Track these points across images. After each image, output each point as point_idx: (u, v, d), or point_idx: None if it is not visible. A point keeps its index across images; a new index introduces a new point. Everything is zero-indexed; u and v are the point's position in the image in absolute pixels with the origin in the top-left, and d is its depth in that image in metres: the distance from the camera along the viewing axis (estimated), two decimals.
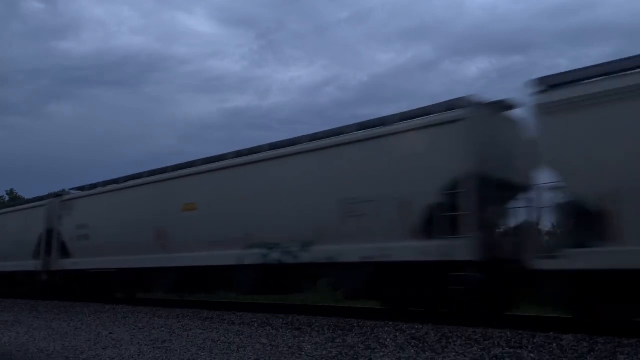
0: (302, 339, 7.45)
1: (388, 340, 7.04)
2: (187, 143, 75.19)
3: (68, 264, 16.76)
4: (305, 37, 76.52)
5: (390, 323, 8.26)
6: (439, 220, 8.47)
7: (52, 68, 75.76)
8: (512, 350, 6.09)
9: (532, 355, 5.84)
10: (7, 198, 40.78)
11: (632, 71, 7.22)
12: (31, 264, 17.96)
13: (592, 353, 5.76)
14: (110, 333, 8.92)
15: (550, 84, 7.86)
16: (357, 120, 10.39)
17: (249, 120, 75.95)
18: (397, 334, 7.37)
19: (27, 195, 37.27)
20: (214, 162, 12.91)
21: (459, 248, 8.17)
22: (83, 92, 78.56)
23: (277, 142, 11.77)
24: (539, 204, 7.88)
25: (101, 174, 58.85)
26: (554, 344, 6.19)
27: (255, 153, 12.02)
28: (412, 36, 71.37)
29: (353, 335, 7.55)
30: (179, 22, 78.38)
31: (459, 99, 8.86)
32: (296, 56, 78.64)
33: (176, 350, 7.03)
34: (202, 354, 6.73)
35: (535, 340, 6.43)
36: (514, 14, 66.35)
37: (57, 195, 18.34)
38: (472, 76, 67.17)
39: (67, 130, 78.22)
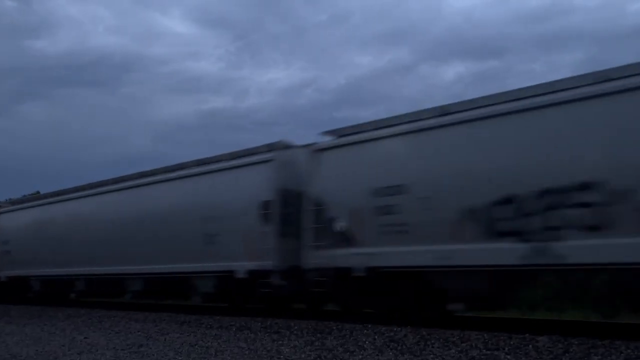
0: (280, 342, 7.43)
1: (367, 343, 7.06)
2: (163, 144, 74.51)
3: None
4: (283, 39, 76.51)
5: (369, 326, 8.29)
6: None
7: (25, 67, 74.39)
8: (489, 352, 6.15)
9: (508, 356, 5.91)
10: None
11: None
12: None
13: (567, 354, 5.85)
14: (85, 337, 8.78)
15: (333, 132, 10.63)
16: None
17: (225, 121, 75.55)
18: (376, 337, 7.39)
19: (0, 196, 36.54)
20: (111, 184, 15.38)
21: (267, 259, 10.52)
22: (57, 91, 77.28)
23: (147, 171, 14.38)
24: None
25: (76, 175, 58.06)
26: (530, 346, 6.28)
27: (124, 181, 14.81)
28: (389, 40, 71.80)
29: (332, 338, 7.55)
30: (156, 23, 77.68)
31: (273, 143, 11.42)
32: (274, 58, 78.54)
33: (153, 355, 6.95)
34: (180, 358, 6.66)
35: (511, 342, 6.52)
36: (489, 19, 67.25)
37: None
38: (449, 80, 67.85)
39: (41, 130, 76.87)
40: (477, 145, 8.41)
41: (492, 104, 8.54)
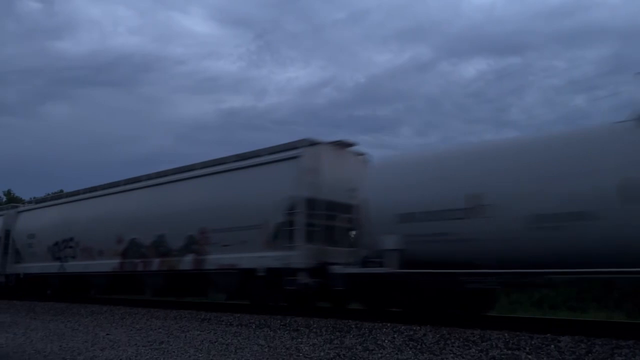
0: (299, 340, 7.44)
1: (386, 341, 7.03)
2: (182, 144, 75.08)
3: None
4: (302, 37, 76.58)
5: (388, 324, 8.25)
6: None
7: (47, 68, 75.70)
8: (509, 351, 6.08)
9: (530, 356, 5.84)
10: (4, 199, 40.67)
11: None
12: None
13: (589, 354, 5.76)
14: (107, 334, 8.90)
15: None
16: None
17: (244, 121, 75.88)
18: (395, 336, 7.36)
19: (24, 196, 37.26)
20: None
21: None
22: (78, 92, 78.47)
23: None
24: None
25: (97, 175, 58.84)
26: (552, 346, 6.19)
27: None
28: (408, 37, 71.48)
29: (351, 336, 7.54)
30: (175, 22, 78.33)
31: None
32: (293, 57, 78.68)
33: (173, 352, 7.02)
34: (200, 355, 6.72)
35: (533, 342, 6.43)
36: (510, 15, 66.47)
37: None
38: (469, 77, 67.27)
39: (62, 131, 78.13)
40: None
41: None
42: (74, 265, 16.64)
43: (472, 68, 67.82)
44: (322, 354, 6.45)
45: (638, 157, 7.01)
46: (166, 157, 71.14)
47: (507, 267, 7.85)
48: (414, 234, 8.81)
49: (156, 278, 14.00)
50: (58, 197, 20.33)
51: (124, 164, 70.05)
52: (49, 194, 25.01)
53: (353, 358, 6.19)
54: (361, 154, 11.90)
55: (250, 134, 73.80)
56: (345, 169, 10.88)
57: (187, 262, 12.80)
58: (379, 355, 6.26)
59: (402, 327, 7.96)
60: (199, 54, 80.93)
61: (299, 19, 77.33)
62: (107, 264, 15.15)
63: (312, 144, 11.17)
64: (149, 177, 15.37)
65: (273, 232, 11.03)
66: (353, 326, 8.32)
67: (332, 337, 7.57)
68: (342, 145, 11.65)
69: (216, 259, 12.06)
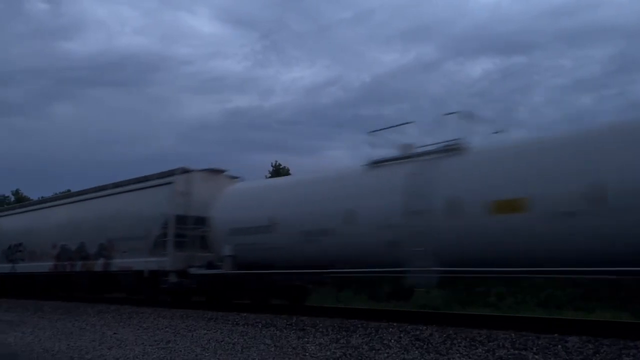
0: (306, 339, 7.45)
1: (392, 341, 7.03)
2: (187, 143, 75.27)
3: None
4: (308, 37, 76.57)
5: (395, 324, 8.25)
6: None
7: (53, 68, 76.11)
8: (516, 351, 6.07)
9: (536, 357, 5.82)
10: (12, 198, 40.90)
11: None
12: None
13: (597, 355, 5.74)
14: (114, 333, 8.94)
15: None
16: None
17: (248, 120, 75.93)
18: (401, 335, 7.35)
19: (32, 195, 37.49)
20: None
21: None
22: (85, 92, 78.84)
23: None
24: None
25: (103, 173, 59.13)
26: (559, 346, 6.17)
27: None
28: (415, 36, 71.34)
29: (357, 336, 7.54)
30: (182, 23, 78.53)
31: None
32: (298, 56, 78.68)
33: (180, 351, 7.05)
34: (206, 354, 6.75)
35: (540, 342, 6.41)
36: (515, 14, 66.22)
37: None
38: (475, 77, 67.08)
39: (69, 131, 78.54)
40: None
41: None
42: (23, 267, 19.63)
43: (479, 67, 67.67)
44: (328, 353, 6.47)
45: (360, 192, 10.09)
46: (171, 156, 71.36)
47: (299, 268, 10.74)
48: (240, 244, 11.70)
49: (80, 277, 16.75)
50: (12, 208, 24.06)
51: (130, 163, 70.34)
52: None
53: (359, 357, 6.20)
54: (235, 177, 14.60)
55: (256, 133, 73.92)
56: (214, 191, 13.32)
57: (99, 264, 15.68)
58: (385, 354, 6.27)
59: (409, 326, 7.95)
60: (205, 54, 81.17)
61: (304, 19, 77.38)
62: (46, 265, 18.03)
63: (185, 171, 13.97)
64: (74, 194, 19.19)
65: (154, 242, 13.90)
66: (359, 326, 8.32)
67: (339, 336, 7.58)
68: (214, 171, 14.43)
69: (118, 262, 14.96)
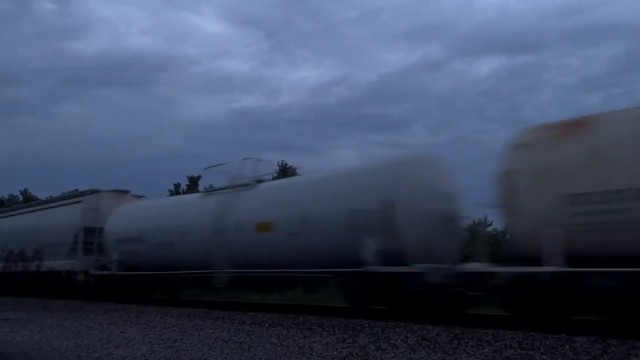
0: (312, 339, 7.46)
1: (399, 341, 7.02)
2: (194, 143, 75.41)
3: None
4: (314, 36, 76.55)
5: (401, 324, 8.24)
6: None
7: (61, 68, 76.39)
8: (523, 351, 6.05)
9: (544, 357, 5.80)
10: (21, 198, 41.13)
11: None
12: None
13: (605, 355, 5.71)
14: (122, 332, 8.98)
15: None
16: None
17: (255, 120, 75.93)
18: (408, 335, 7.34)
19: (41, 195, 37.71)
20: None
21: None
22: (92, 92, 79.11)
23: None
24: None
25: (110, 173, 59.38)
26: (567, 346, 6.14)
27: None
28: (421, 35, 71.19)
29: (364, 335, 7.54)
30: (188, 22, 78.73)
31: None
32: (304, 56, 78.67)
33: (187, 350, 7.07)
34: (213, 353, 6.76)
35: (547, 342, 6.38)
36: (522, 13, 65.95)
37: None
38: (483, 76, 66.85)
39: (76, 130, 78.88)
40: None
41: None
42: None
43: (485, 66, 67.46)
44: (334, 352, 6.47)
45: (193, 214, 13.93)
46: (177, 157, 71.50)
47: (160, 270, 14.16)
48: (124, 251, 15.20)
49: (20, 276, 20.25)
50: None
51: (136, 163, 70.62)
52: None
53: (366, 357, 6.20)
54: (140, 196, 18.54)
55: (262, 133, 73.94)
56: (117, 207, 16.66)
57: (34, 265, 19.22)
58: (392, 354, 6.26)
59: (415, 326, 7.94)
60: (211, 54, 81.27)
61: (310, 18, 77.35)
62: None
63: (94, 192, 17.76)
64: (19, 207, 24.61)
65: (69, 248, 17.41)
66: (366, 325, 8.32)
67: (345, 336, 7.57)
68: (120, 192, 18.23)
69: (46, 264, 18.44)
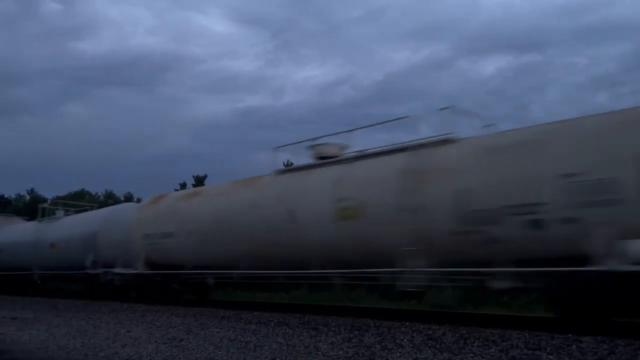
0: (318, 338, 7.46)
1: (405, 340, 7.01)
2: (199, 143, 75.57)
3: None
4: (319, 36, 76.55)
5: (407, 323, 8.23)
6: None
7: (67, 68, 76.81)
8: (530, 351, 6.03)
9: (550, 357, 5.78)
10: (27, 197, 41.35)
11: None
12: None
13: (612, 355, 5.68)
14: (128, 331, 9.00)
15: None
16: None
17: (260, 120, 76.03)
18: (414, 335, 7.33)
19: (47, 194, 37.89)
20: None
21: None
22: (98, 92, 79.52)
23: None
24: None
25: (115, 173, 59.57)
26: (573, 346, 6.12)
27: None
28: (427, 35, 71.09)
29: (369, 335, 7.53)
30: (193, 22, 78.88)
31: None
32: (310, 55, 78.70)
33: (193, 349, 7.08)
34: (219, 352, 6.77)
35: (554, 342, 6.36)
36: (529, 11, 65.70)
37: None
38: (489, 75, 66.65)
39: (82, 130, 79.26)
40: None
41: None
42: None
43: (492, 65, 67.24)
44: (340, 352, 6.46)
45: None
46: (183, 156, 71.66)
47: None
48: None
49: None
50: None
51: (141, 162, 70.82)
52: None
53: (372, 357, 6.19)
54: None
55: (267, 133, 74.02)
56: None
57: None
58: (398, 354, 6.25)
59: (421, 326, 7.93)
60: (217, 54, 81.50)
61: (316, 18, 77.39)
62: None
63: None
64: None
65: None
66: (372, 325, 8.32)
67: (351, 335, 7.57)
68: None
69: None
